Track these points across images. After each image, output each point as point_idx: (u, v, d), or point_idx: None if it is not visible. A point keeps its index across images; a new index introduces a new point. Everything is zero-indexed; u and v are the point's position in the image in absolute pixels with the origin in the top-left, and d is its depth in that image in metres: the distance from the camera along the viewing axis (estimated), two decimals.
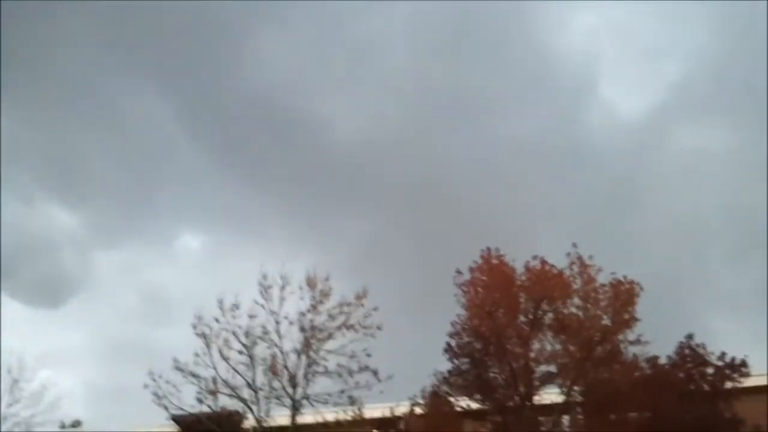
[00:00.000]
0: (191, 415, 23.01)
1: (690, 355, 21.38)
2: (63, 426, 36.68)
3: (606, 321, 20.81)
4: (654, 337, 21.40)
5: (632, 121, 61.94)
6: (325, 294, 22.87)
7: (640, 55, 65.13)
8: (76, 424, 40.86)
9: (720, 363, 21.14)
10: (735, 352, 21.38)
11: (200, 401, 22.13)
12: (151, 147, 64.73)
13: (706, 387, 21.07)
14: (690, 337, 21.66)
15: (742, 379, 21.03)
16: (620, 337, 20.88)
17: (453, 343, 21.85)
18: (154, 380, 21.95)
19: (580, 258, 21.35)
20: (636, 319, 20.68)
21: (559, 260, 21.61)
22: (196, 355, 22.17)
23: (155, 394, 21.89)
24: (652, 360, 21.26)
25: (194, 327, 22.59)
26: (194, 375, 22.10)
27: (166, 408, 22.11)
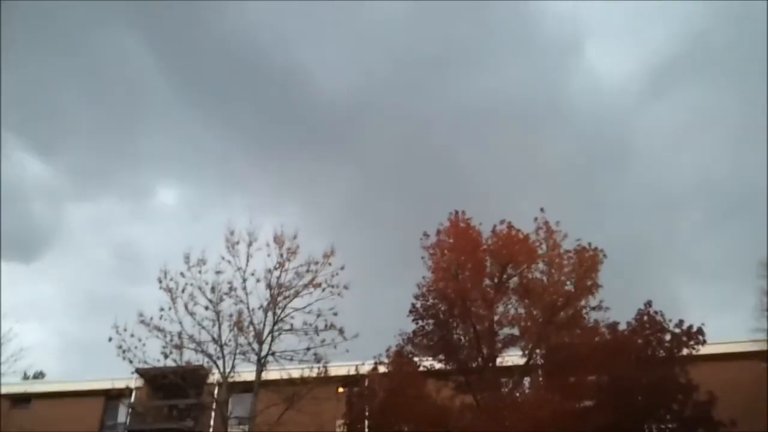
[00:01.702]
0: (156, 368, 23.08)
1: (648, 322, 21.84)
2: (26, 377, 36.67)
3: (569, 287, 21.15)
4: (617, 304, 21.92)
5: (615, 86, 61.91)
6: (293, 252, 23.00)
7: (627, 17, 64.86)
8: (39, 375, 40.85)
9: (677, 330, 21.63)
10: (702, 319, 21.83)
11: (165, 355, 22.15)
12: (130, 93, 63.03)
13: (662, 353, 21.58)
14: (649, 304, 22.08)
15: (698, 347, 21.55)
16: (582, 302, 21.25)
17: (418, 304, 22.07)
18: (119, 333, 21.93)
19: (546, 223, 21.63)
20: (598, 286, 21.04)
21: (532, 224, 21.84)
22: (161, 309, 22.17)
23: (119, 347, 21.86)
24: (612, 326, 21.68)
25: (160, 281, 22.57)
26: (159, 329, 22.11)
27: (130, 361, 22.09)
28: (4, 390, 33.84)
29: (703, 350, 22.02)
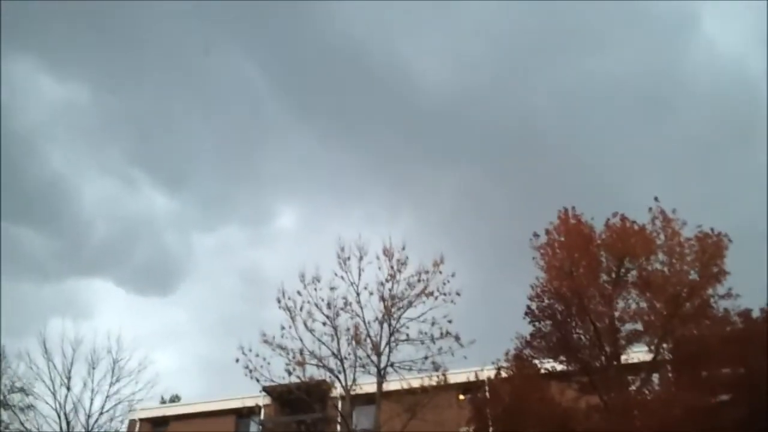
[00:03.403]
0: (281, 385, 23.82)
1: None
2: (163, 401, 38.75)
3: (693, 276, 20.15)
4: (752, 290, 20.61)
5: (734, 57, 57.54)
6: (402, 263, 23.18)
7: None
8: (175, 398, 43.03)
9: None
10: None
11: (289, 372, 22.84)
12: (245, 117, 64.58)
13: None
14: None
15: None
16: (709, 291, 20.17)
17: (533, 305, 21.64)
18: (244, 354, 22.81)
19: (662, 212, 20.75)
20: (725, 273, 19.91)
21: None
22: (282, 328, 22.89)
23: (246, 367, 22.73)
24: (744, 313, 20.41)
25: (278, 301, 23.32)
26: (281, 347, 22.83)
27: (257, 380, 22.93)
28: (145, 414, 35.89)
29: None
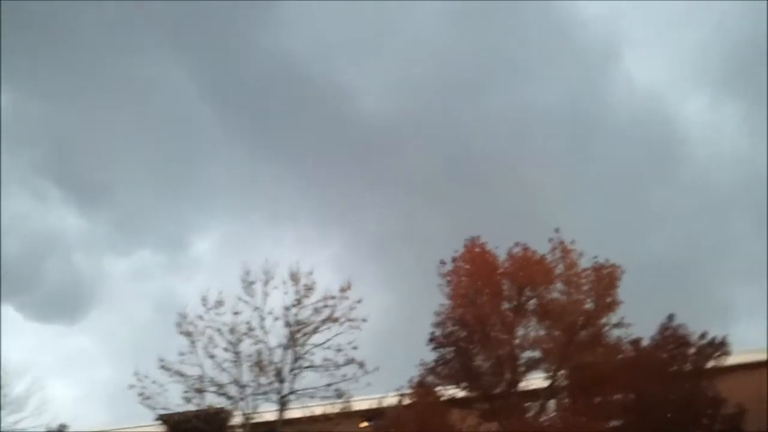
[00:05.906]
0: (178, 413, 22.94)
1: (672, 336, 21.60)
2: (48, 430, 36.51)
3: (589, 305, 20.99)
4: (638, 319, 21.63)
5: (652, 94, 60.92)
6: (309, 288, 22.89)
7: (664, 22, 63.81)
8: (63, 427, 40.68)
9: (701, 342, 21.37)
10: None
11: (187, 400, 22.04)
12: (170, 134, 61.49)
13: (688, 367, 21.30)
14: (671, 318, 21.90)
15: (722, 358, 21.26)
16: (603, 320, 21.06)
17: (437, 332, 21.93)
18: (140, 380, 21.85)
19: (561, 243, 21.53)
20: (618, 302, 20.87)
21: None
22: (181, 353, 22.09)
23: (141, 395, 21.78)
24: (635, 342, 21.46)
25: (178, 325, 22.52)
26: (180, 374, 22.02)
27: (152, 408, 22.00)
28: None
29: (733, 360, 21.78)
